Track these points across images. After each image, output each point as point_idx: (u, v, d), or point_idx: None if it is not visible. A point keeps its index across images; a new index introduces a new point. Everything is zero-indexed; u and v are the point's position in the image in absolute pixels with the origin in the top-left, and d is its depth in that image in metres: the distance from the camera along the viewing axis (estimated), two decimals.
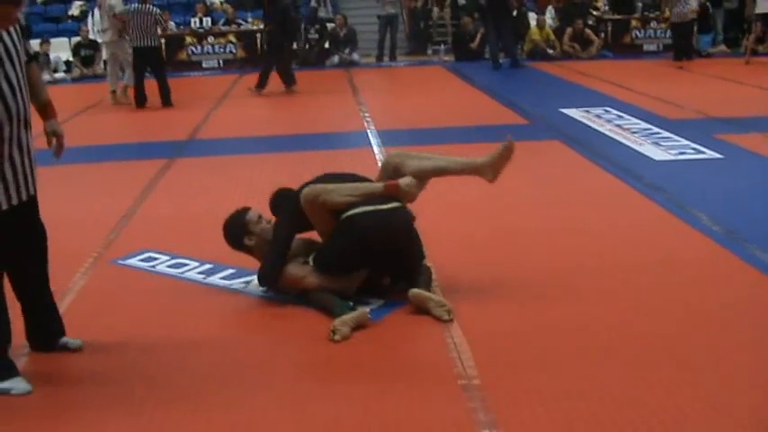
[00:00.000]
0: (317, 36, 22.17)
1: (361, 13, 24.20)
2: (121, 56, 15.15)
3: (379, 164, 9.08)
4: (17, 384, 4.24)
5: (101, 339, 4.90)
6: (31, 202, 4.55)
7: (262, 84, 16.08)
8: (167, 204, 8.08)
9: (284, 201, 5.69)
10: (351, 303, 5.17)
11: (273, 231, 5.56)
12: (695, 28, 20.76)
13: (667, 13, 23.02)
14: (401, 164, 5.66)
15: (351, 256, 5.35)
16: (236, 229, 5.68)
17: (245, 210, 5.72)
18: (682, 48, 19.85)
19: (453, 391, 4.23)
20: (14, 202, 4.36)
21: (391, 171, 5.68)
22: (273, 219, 5.69)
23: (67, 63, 21.11)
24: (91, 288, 5.81)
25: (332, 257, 5.37)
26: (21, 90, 4.35)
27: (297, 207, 5.44)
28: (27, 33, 4.75)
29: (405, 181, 5.46)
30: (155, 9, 14.82)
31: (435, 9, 24.47)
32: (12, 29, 4.38)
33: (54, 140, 4.78)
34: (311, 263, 5.43)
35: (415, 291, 5.23)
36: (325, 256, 5.39)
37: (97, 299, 5.63)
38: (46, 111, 4.78)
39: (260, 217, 5.68)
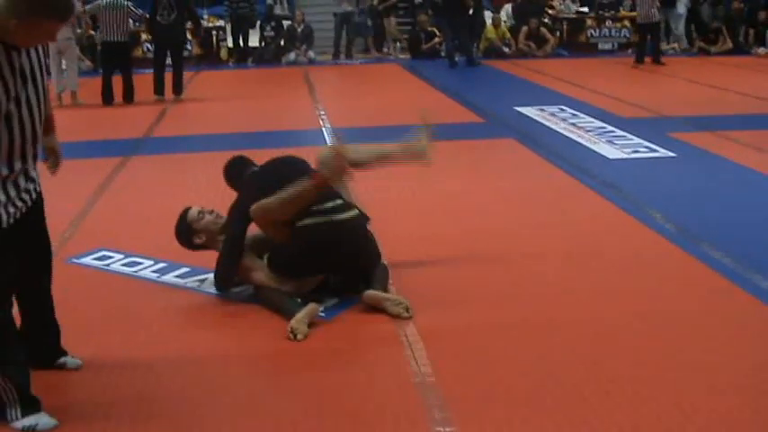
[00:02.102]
0: (272, 33, 22.08)
1: (317, 10, 24.16)
2: (68, 55, 14.77)
3: None
4: (41, 419, 3.94)
5: None
6: (36, 214, 4.21)
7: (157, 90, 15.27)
8: (121, 203, 8.03)
9: (238, 183, 5.76)
10: (299, 300, 5.17)
11: (226, 229, 5.55)
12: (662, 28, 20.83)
13: (623, 12, 23.26)
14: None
15: (303, 264, 5.35)
16: (184, 232, 5.73)
17: (186, 210, 5.76)
18: (646, 49, 19.51)
19: (408, 389, 4.24)
20: (12, 220, 3.94)
21: None
22: (215, 209, 5.71)
23: None
24: None
25: (285, 262, 5.36)
26: (40, 114, 3.97)
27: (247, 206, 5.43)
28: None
29: (326, 163, 5.39)
30: (126, 3, 14.56)
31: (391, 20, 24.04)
32: (39, 45, 4.00)
33: (52, 156, 4.52)
34: (265, 261, 5.43)
35: (369, 292, 5.23)
36: (279, 259, 5.38)
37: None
38: (46, 124, 4.34)
39: (200, 212, 5.70)
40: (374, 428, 3.90)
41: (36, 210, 4.19)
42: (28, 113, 3.89)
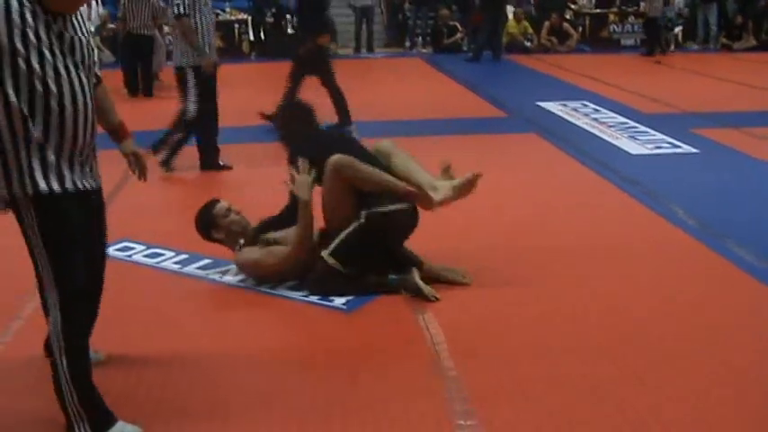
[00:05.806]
0: (272, 20, 21.83)
1: (337, 3, 24.12)
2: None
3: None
4: (124, 428, 3.72)
5: None
6: (99, 214, 4.00)
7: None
8: (144, 194, 8.03)
9: (292, 134, 6.01)
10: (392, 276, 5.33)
11: (299, 200, 5.41)
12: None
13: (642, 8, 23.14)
14: (389, 155, 5.76)
15: (371, 254, 5.37)
16: (205, 223, 5.74)
17: (214, 202, 5.76)
18: (656, 41, 19.86)
19: (429, 382, 4.24)
20: (88, 185, 3.69)
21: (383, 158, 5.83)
22: (242, 212, 5.72)
23: None
24: None
25: (355, 253, 5.34)
26: (91, 99, 3.63)
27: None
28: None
29: (436, 197, 5.58)
30: None
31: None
32: (84, 30, 3.61)
33: (134, 161, 4.45)
34: (325, 256, 5.34)
35: (428, 265, 5.50)
36: (348, 251, 5.34)
37: None
38: (119, 132, 4.29)
39: (228, 210, 5.69)
40: (397, 420, 3.89)
41: (100, 210, 3.99)
42: (80, 89, 3.54)
